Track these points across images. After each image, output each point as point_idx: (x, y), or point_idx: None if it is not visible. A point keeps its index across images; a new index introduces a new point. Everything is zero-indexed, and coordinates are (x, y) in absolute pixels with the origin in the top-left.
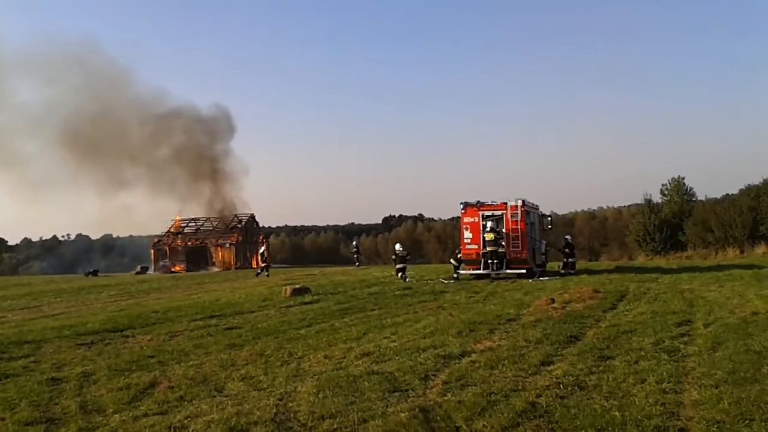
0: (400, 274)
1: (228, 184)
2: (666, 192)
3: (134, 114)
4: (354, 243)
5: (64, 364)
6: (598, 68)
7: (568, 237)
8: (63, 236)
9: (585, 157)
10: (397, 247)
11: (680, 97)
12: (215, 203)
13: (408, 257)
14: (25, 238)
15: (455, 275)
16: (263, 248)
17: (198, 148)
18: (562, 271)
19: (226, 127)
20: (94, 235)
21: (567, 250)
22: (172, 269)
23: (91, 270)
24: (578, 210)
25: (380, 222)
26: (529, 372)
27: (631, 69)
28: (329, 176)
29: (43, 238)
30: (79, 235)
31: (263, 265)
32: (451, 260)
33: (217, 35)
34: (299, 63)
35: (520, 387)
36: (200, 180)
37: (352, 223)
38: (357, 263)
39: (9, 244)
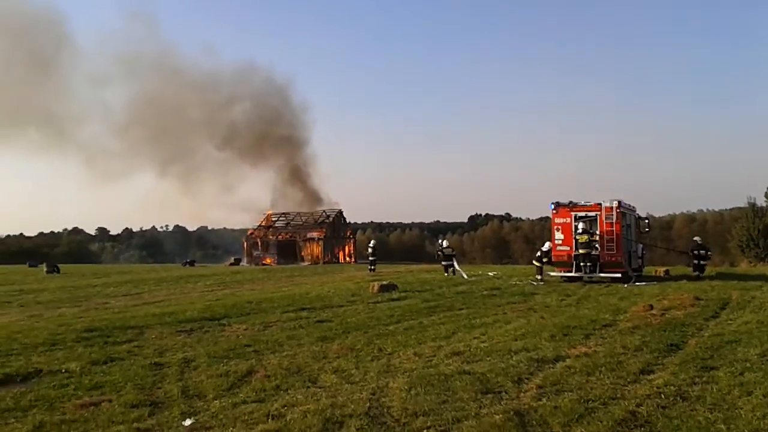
0: (447, 271)
1: (316, 180)
2: None
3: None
4: (441, 242)
5: (165, 349)
6: (703, 66)
7: (697, 238)
8: (162, 227)
9: (685, 158)
10: (444, 243)
11: None
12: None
13: (454, 254)
14: (126, 228)
15: (539, 277)
16: (372, 243)
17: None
18: (695, 274)
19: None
20: (191, 227)
21: (698, 252)
22: (263, 262)
23: (188, 260)
24: (677, 212)
25: (466, 220)
26: (628, 380)
27: (736, 68)
28: (416, 174)
29: (143, 229)
30: (176, 227)
31: (372, 259)
32: (534, 261)
33: (318, 33)
34: (394, 63)
35: (618, 395)
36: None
37: (438, 221)
38: (442, 262)
39: (111, 234)
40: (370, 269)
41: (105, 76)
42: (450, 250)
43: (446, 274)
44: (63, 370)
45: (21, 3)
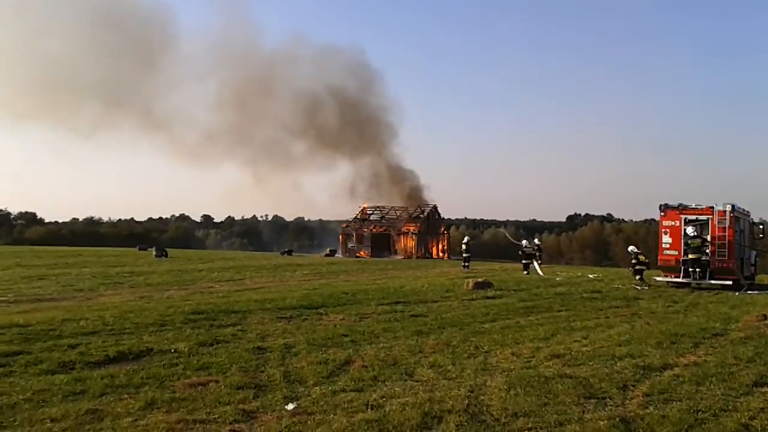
0: (527, 269)
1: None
2: None
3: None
4: (536, 240)
5: (267, 334)
6: None
7: None
8: (261, 216)
9: None
10: (524, 243)
11: None
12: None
13: (534, 253)
14: (229, 217)
15: (639, 280)
16: (466, 239)
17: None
18: None
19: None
20: (288, 217)
21: None
22: (358, 254)
23: (286, 249)
24: None
25: (564, 220)
26: (741, 392)
27: None
28: (514, 170)
29: (244, 218)
30: (275, 216)
31: (466, 255)
32: (631, 268)
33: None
34: (488, 56)
35: (730, 407)
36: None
37: (534, 220)
38: (539, 261)
39: (215, 221)
40: (464, 266)
41: (199, 65)
42: (530, 249)
43: (525, 272)
44: (172, 350)
45: None
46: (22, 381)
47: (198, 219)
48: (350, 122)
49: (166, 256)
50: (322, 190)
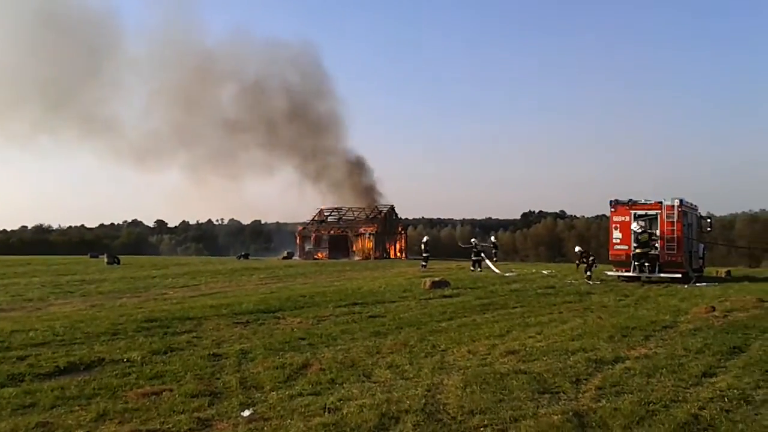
0: (475, 267)
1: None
2: None
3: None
4: (492, 238)
5: (223, 340)
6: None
7: None
8: (217, 220)
9: (748, 155)
10: (473, 241)
11: None
12: (357, 192)
13: (491, 249)
14: (183, 221)
15: (587, 277)
16: (425, 239)
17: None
18: None
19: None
20: (245, 221)
21: None
22: (315, 256)
23: (242, 253)
24: (738, 212)
25: (519, 217)
26: (690, 383)
27: None
28: (469, 170)
29: (199, 222)
30: (231, 220)
31: (425, 255)
32: (579, 262)
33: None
34: (442, 54)
35: (680, 398)
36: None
37: (489, 218)
38: (495, 259)
39: (169, 226)
40: (423, 265)
41: (143, 65)
42: (480, 246)
43: (472, 269)
44: (125, 359)
45: None
46: None
47: (151, 224)
48: (301, 121)
49: (119, 263)
50: (277, 193)
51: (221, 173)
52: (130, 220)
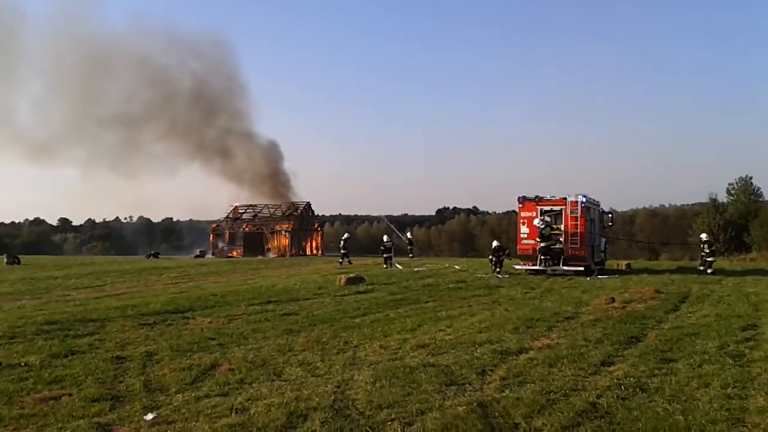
0: (386, 264)
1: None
2: (732, 192)
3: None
4: (408, 234)
5: (127, 343)
6: (673, 63)
7: (703, 235)
8: (125, 218)
9: (648, 153)
10: (385, 238)
11: (749, 96)
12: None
13: (392, 247)
14: (89, 219)
15: (496, 271)
16: (346, 236)
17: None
18: (700, 268)
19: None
20: (155, 218)
21: (706, 248)
22: (230, 254)
23: (152, 252)
24: (639, 207)
25: (434, 213)
26: (589, 372)
27: (700, 66)
28: (385, 167)
29: (106, 220)
30: (140, 218)
31: (343, 252)
32: (490, 256)
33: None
34: (359, 53)
35: (580, 386)
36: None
37: (406, 214)
38: (410, 255)
39: (74, 224)
40: (340, 262)
41: (36, 56)
42: (390, 243)
43: (384, 266)
44: (22, 364)
45: None
46: None
47: (54, 222)
48: (206, 113)
49: (19, 263)
50: (189, 189)
51: (122, 169)
52: (31, 218)
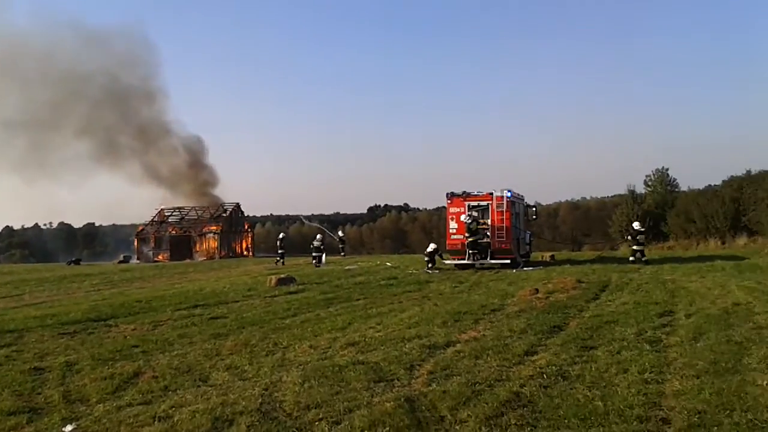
0: (315, 261)
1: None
2: (650, 183)
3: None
4: (339, 233)
5: (46, 353)
6: (583, 58)
7: (636, 224)
8: (45, 224)
9: (569, 148)
10: (318, 237)
11: (665, 88)
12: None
13: (323, 247)
14: (7, 226)
15: (428, 267)
16: (281, 235)
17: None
18: (631, 258)
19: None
20: (77, 224)
21: (636, 237)
22: (156, 258)
23: (73, 259)
24: (562, 200)
25: (365, 211)
26: (513, 362)
27: (616, 59)
28: (315, 166)
29: (25, 226)
30: (61, 224)
31: (280, 252)
32: (425, 253)
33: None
34: (285, 54)
35: (504, 377)
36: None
37: (338, 213)
38: (342, 253)
39: None
40: (277, 262)
41: None
42: (320, 243)
43: (315, 265)
44: None
45: None
46: None
47: None
48: (124, 115)
49: None
50: (110, 193)
51: (35, 173)
52: None
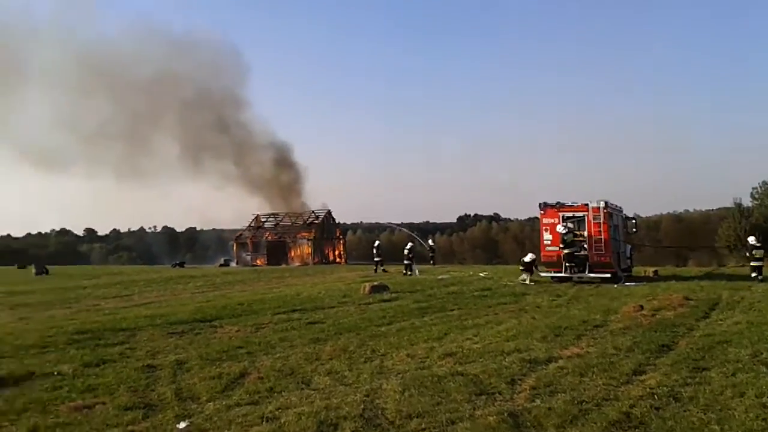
0: (406, 270)
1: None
2: (756, 196)
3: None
4: (430, 241)
5: (157, 351)
6: (690, 69)
7: (751, 239)
8: (150, 228)
9: (672, 159)
10: (409, 245)
11: None
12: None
13: (412, 255)
14: (114, 229)
15: (525, 278)
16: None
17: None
18: (753, 275)
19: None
20: (179, 228)
21: (752, 252)
22: (254, 263)
23: (177, 261)
24: (663, 212)
25: (455, 221)
26: (621, 381)
27: (723, 71)
28: (406, 174)
29: (131, 230)
30: (164, 227)
31: (377, 259)
32: (522, 262)
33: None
34: (378, 59)
35: (612, 396)
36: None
37: (428, 221)
38: (432, 262)
39: (99, 234)
40: (376, 270)
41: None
42: (410, 253)
43: (407, 274)
44: (55, 373)
45: None
46: None
47: (80, 233)
48: (220, 124)
49: (47, 273)
50: (210, 199)
51: (136, 180)
52: (58, 229)
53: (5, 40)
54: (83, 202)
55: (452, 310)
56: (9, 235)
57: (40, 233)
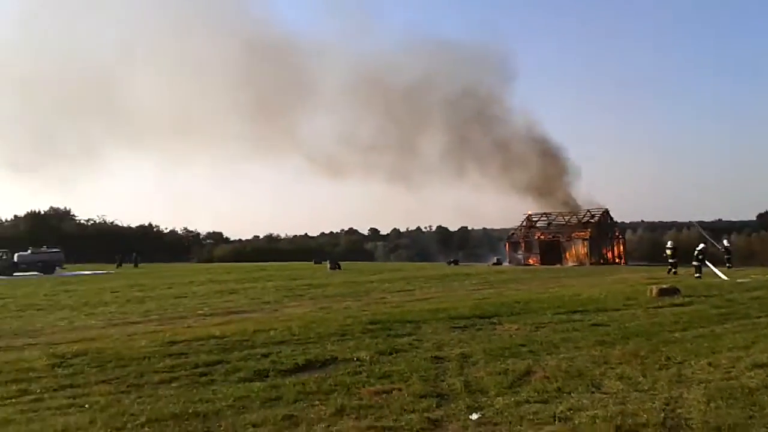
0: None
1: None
2: None
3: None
4: (725, 242)
5: (443, 344)
6: None
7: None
8: (426, 227)
9: None
10: (669, 243)
11: None
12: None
13: (702, 257)
14: (394, 229)
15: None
16: (670, 243)
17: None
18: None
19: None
20: (452, 227)
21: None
22: (527, 262)
23: (452, 259)
24: None
25: (754, 218)
26: None
27: None
28: (696, 167)
29: (409, 229)
30: (438, 227)
31: (672, 261)
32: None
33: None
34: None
35: None
36: (551, 177)
37: (720, 219)
38: (728, 264)
39: (381, 234)
40: (670, 271)
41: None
42: (701, 254)
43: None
44: (354, 359)
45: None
46: (223, 388)
47: (365, 232)
48: (488, 125)
49: (340, 268)
50: (485, 200)
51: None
52: (346, 229)
53: (299, 60)
54: (365, 205)
55: (758, 317)
56: (306, 235)
57: (332, 233)
